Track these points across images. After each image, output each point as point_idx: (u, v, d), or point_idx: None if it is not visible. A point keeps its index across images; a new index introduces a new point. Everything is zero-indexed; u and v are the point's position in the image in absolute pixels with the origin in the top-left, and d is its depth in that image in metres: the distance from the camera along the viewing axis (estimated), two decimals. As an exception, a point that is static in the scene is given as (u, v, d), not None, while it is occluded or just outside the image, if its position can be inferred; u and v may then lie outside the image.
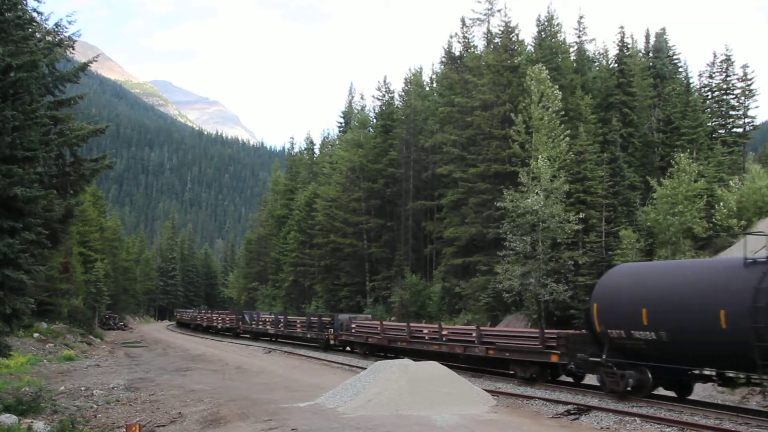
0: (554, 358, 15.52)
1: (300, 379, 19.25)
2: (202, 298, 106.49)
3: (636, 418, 11.54)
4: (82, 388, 18.16)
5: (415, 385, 13.22)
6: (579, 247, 30.50)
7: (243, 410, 13.07)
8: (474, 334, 18.49)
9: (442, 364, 19.11)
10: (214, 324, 48.28)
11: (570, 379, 16.39)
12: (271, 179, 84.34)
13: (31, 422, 12.41)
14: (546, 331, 16.64)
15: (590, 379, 15.85)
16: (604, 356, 13.67)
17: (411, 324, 23.08)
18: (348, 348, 27.49)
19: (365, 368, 16.73)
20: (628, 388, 13.25)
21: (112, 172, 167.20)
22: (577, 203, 30.75)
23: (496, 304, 32.37)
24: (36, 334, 30.93)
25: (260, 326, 38.11)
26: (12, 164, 13.70)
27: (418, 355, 20.18)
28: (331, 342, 28.15)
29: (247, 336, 40.64)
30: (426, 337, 20.86)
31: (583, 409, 12.48)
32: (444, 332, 20.13)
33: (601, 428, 11.12)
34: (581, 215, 29.55)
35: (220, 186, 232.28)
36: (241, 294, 76.04)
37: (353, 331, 25.72)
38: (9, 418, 12.31)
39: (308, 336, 30.72)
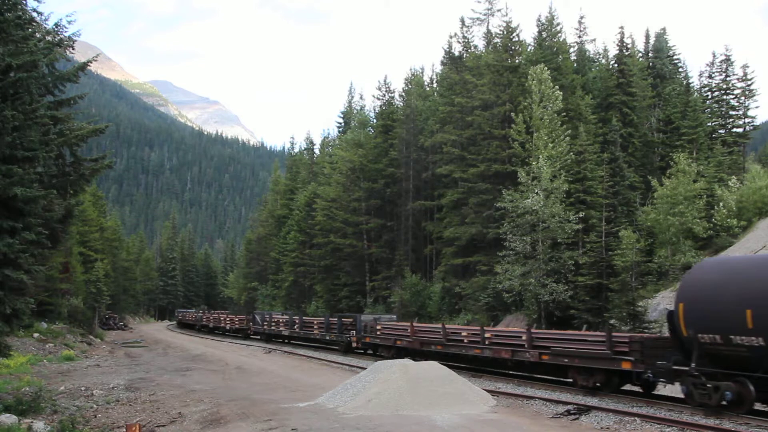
0: (626, 366, 13.75)
1: (300, 379, 19.25)
2: (202, 298, 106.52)
3: (636, 418, 11.55)
4: (82, 388, 18.15)
5: (415, 385, 13.22)
6: (579, 247, 30.50)
7: (243, 410, 13.07)
8: (524, 338, 16.93)
9: (484, 369, 19.23)
10: (222, 325, 46.48)
11: (637, 389, 15.02)
12: (271, 179, 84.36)
13: (31, 422, 12.40)
14: (615, 334, 14.64)
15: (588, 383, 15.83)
16: (692, 365, 11.88)
17: (447, 326, 21.17)
18: (371, 351, 25.63)
19: (365, 368, 16.72)
20: (724, 403, 11.39)
21: (112, 172, 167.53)
22: (577, 203, 30.76)
23: (496, 304, 32.39)
24: (36, 334, 30.92)
25: (273, 327, 35.86)
26: (12, 164, 13.69)
27: (456, 360, 19.16)
28: (354, 345, 26.12)
29: (258, 337, 38.83)
30: (465, 341, 19.18)
31: (583, 409, 12.47)
32: (487, 335, 18.35)
33: (601, 428, 11.13)
34: (581, 215, 29.55)
35: (220, 186, 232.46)
36: (241, 294, 76.01)
37: (379, 333, 23.76)
38: (9, 418, 12.31)
39: (327, 338, 28.64)
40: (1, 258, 13.38)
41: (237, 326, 43.09)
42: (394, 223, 47.25)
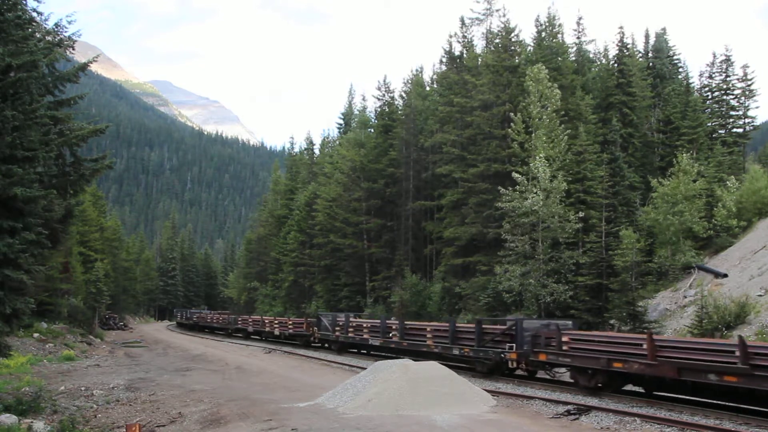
0: None
1: (300, 379, 19.25)
2: (202, 298, 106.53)
3: (636, 418, 11.55)
4: (82, 388, 18.15)
5: (415, 385, 13.22)
6: (579, 247, 30.50)
7: (243, 410, 13.07)
8: None
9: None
10: (267, 329, 37.65)
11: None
12: (271, 179, 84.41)
13: (31, 422, 12.41)
14: None
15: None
16: None
17: (750, 342, 12.18)
18: (549, 375, 17.62)
19: (365, 368, 16.71)
20: None
21: (112, 172, 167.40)
22: (577, 203, 30.77)
23: (496, 304, 32.37)
24: (36, 334, 30.92)
25: (350, 334, 26.96)
26: (12, 164, 13.70)
27: None
28: (512, 365, 17.71)
29: (318, 345, 30.96)
30: None
31: (583, 409, 12.47)
32: None
33: (601, 428, 11.13)
34: (581, 215, 29.56)
35: (220, 186, 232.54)
36: (241, 294, 76.06)
37: (567, 349, 15.62)
38: (9, 418, 12.31)
39: (455, 353, 19.70)
40: (1, 258, 13.38)
41: (292, 331, 33.62)
42: (394, 223, 47.25)
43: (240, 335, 43.37)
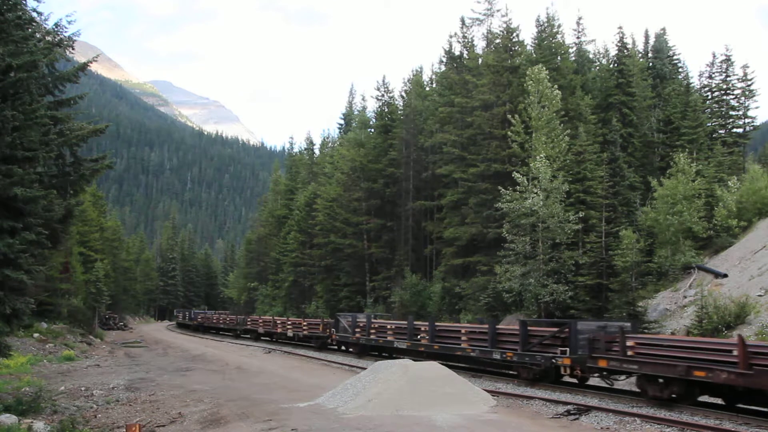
0: None
1: (300, 379, 19.25)
2: (202, 298, 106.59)
3: (636, 418, 11.55)
4: (82, 388, 18.16)
5: (415, 385, 13.21)
6: (579, 247, 30.50)
7: (243, 410, 13.07)
8: None
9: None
10: (279, 330, 35.99)
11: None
12: (271, 179, 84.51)
13: (31, 422, 12.40)
14: None
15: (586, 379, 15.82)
16: None
17: None
18: (608, 383, 15.53)
19: (365, 368, 16.70)
20: None
21: (112, 172, 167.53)
22: (577, 203, 30.77)
23: (496, 304, 32.38)
24: (36, 334, 30.93)
25: (372, 336, 25.12)
26: (12, 164, 13.71)
27: None
28: (565, 371, 15.75)
29: (335, 347, 29.45)
30: None
31: (583, 409, 12.47)
32: None
33: (601, 428, 11.12)
34: (581, 215, 29.56)
35: (220, 186, 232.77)
36: (241, 294, 76.10)
37: (633, 354, 13.63)
38: (9, 418, 12.31)
39: (495, 358, 17.75)
40: (1, 258, 13.38)
41: (306, 333, 31.85)
42: (394, 223, 47.25)
43: (248, 336, 41.79)
